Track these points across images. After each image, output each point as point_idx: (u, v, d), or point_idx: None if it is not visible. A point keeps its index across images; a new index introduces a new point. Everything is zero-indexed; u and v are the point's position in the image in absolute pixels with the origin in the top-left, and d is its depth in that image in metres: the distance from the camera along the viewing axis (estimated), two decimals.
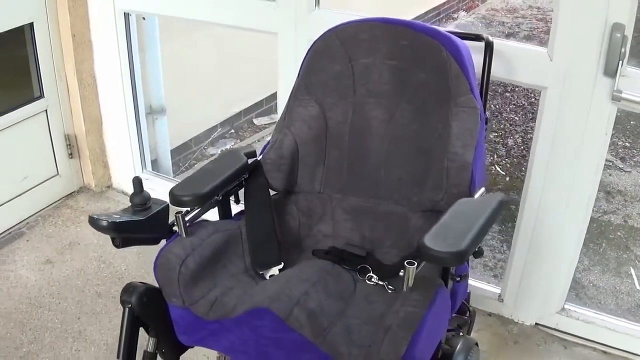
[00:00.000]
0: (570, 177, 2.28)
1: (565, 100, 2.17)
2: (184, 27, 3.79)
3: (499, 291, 2.65)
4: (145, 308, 1.70)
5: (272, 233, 1.89)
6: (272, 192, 2.06)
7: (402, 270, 1.50)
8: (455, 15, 7.38)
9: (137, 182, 1.72)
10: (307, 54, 2.03)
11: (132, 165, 3.36)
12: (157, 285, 1.73)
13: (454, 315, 2.04)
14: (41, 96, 3.15)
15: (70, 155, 3.35)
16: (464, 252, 1.43)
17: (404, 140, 1.94)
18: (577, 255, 2.45)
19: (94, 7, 3.06)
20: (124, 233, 1.68)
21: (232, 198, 1.97)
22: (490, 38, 2.05)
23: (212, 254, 1.77)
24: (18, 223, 3.18)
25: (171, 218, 1.78)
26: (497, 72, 2.20)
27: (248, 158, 1.98)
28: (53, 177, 3.31)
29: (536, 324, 2.56)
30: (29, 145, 3.16)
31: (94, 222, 1.64)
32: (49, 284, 2.83)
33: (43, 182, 3.26)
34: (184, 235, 1.76)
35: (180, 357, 1.87)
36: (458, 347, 1.67)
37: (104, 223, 1.63)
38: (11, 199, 3.12)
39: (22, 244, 3.08)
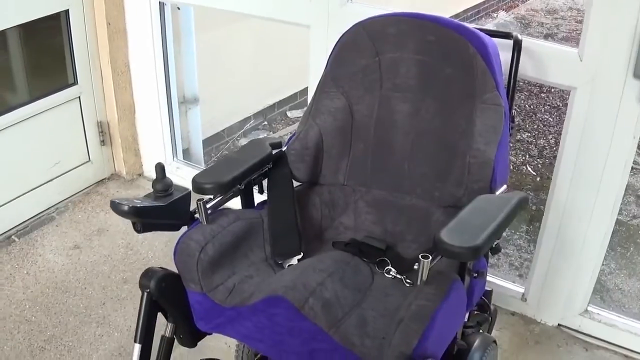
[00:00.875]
0: (597, 179, 2.26)
1: (594, 101, 2.15)
2: (220, 19, 3.82)
3: (522, 291, 2.64)
4: (164, 293, 1.72)
5: (293, 223, 1.90)
6: (296, 184, 2.07)
7: (417, 264, 1.50)
8: (495, 15, 7.34)
9: (160, 169, 1.74)
10: (334, 46, 2.03)
11: (163, 154, 3.39)
12: (177, 271, 1.74)
13: (475, 312, 2.04)
14: (75, 83, 3.19)
15: (102, 142, 3.39)
16: (480, 247, 1.43)
17: (428, 135, 1.94)
18: (602, 258, 2.43)
19: None
20: (145, 218, 1.70)
21: (256, 188, 1.98)
22: (520, 36, 2.04)
23: (232, 242, 1.79)
24: (48, 208, 3.23)
25: (193, 205, 1.79)
26: (528, 71, 2.19)
27: (273, 149, 1.99)
28: (84, 163, 3.36)
29: (559, 325, 2.55)
30: (61, 131, 3.20)
31: (115, 206, 1.66)
32: (75, 269, 2.87)
33: (74, 169, 3.30)
34: (205, 223, 1.78)
35: (201, 345, 1.88)
36: (475, 344, 1.67)
37: (125, 207, 1.65)
38: (42, 184, 3.17)
39: (52, 228, 3.13)
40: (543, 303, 2.56)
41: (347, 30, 2.01)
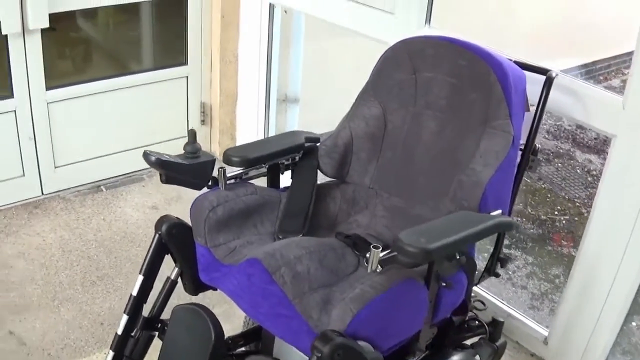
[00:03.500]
0: (628, 231, 2.27)
1: (633, 151, 2.18)
2: (328, 32, 4.05)
3: (546, 334, 2.67)
4: (173, 238, 1.96)
5: (305, 207, 2.08)
6: (327, 179, 2.25)
7: (368, 253, 1.64)
8: (626, 72, 7.13)
9: (192, 134, 1.98)
10: (378, 59, 2.21)
11: None
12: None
13: (484, 339, 2.15)
14: (185, 63, 3.51)
15: (203, 122, 3.70)
16: (430, 251, 1.54)
17: (446, 153, 2.06)
18: (625, 311, 2.42)
19: None
20: (168, 171, 1.93)
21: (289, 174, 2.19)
22: (554, 73, 2.11)
23: (243, 210, 2.00)
24: (140, 170, 3.57)
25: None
26: (570, 111, 2.27)
27: (308, 142, 2.19)
28: (181, 137, 3.65)
29: None
30: (167, 103, 3.53)
31: (146, 156, 1.92)
32: (146, 225, 3.17)
33: (172, 140, 3.62)
34: (222, 188, 2.00)
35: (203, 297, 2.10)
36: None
37: (152, 158, 1.90)
38: (139, 147, 3.49)
39: (138, 188, 3.46)
40: (563, 350, 2.58)
41: (391, 47, 2.19)
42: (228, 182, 2.05)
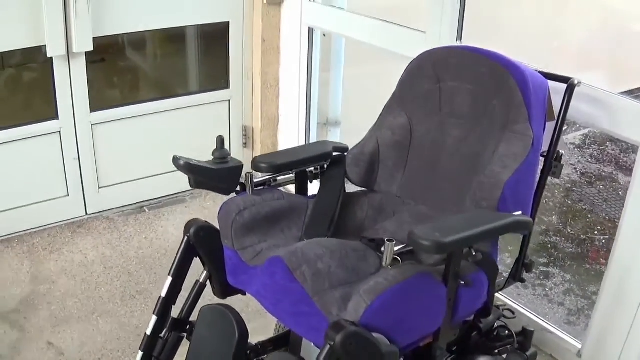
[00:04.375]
0: None
1: None
2: (370, 54, 4.11)
3: (580, 347, 2.65)
4: (201, 241, 2.02)
5: (331, 213, 2.11)
6: (356, 188, 2.29)
7: (382, 247, 1.67)
8: None
9: (220, 141, 2.05)
10: (404, 71, 2.25)
11: None
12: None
13: (514, 349, 2.17)
14: (227, 87, 3.60)
15: (245, 144, 3.78)
16: (444, 244, 1.57)
17: (469, 159, 2.08)
18: None
19: (286, 18, 3.48)
20: (196, 175, 2.00)
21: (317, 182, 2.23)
22: (576, 81, 2.12)
23: (269, 214, 2.05)
24: (183, 192, 3.65)
25: None
26: (597, 121, 2.28)
27: (336, 151, 2.24)
28: None
29: None
30: (208, 126, 3.61)
31: (175, 160, 1.99)
32: None
33: None
34: (250, 193, 2.06)
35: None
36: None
37: (182, 162, 1.97)
38: None
39: (180, 208, 3.54)
40: None
41: (416, 57, 2.23)
42: (256, 188, 2.10)
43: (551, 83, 2.13)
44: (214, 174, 2.02)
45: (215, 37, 3.65)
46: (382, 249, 1.69)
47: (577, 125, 5.18)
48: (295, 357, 1.94)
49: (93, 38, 3.10)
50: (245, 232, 1.99)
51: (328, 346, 1.56)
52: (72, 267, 3.03)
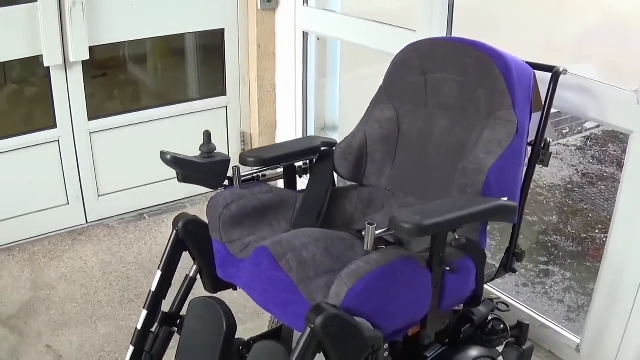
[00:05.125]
0: None
1: None
2: (366, 58, 4.13)
3: (578, 341, 2.63)
4: (189, 234, 2.04)
5: (319, 205, 2.13)
6: (348, 182, 2.30)
7: (363, 231, 1.67)
8: None
9: (207, 135, 2.07)
10: (390, 64, 2.26)
11: None
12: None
13: (510, 342, 2.20)
14: (224, 93, 3.62)
15: (243, 150, 3.79)
16: (424, 226, 1.56)
17: (455, 149, 2.08)
18: None
19: (280, 23, 3.50)
20: (183, 169, 2.01)
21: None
22: (561, 69, 2.11)
23: (257, 207, 2.06)
24: (183, 198, 3.66)
25: None
26: (585, 110, 2.28)
27: (324, 145, 2.25)
28: None
29: None
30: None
31: (162, 155, 2.00)
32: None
33: None
34: (237, 186, 2.07)
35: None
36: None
37: (168, 156, 1.98)
38: None
39: None
40: (595, 356, 2.55)
41: (401, 50, 2.24)
42: (244, 182, 2.11)
43: (541, 75, 2.14)
44: (201, 168, 2.03)
45: (213, 48, 3.69)
46: (363, 233, 1.68)
47: (579, 128, 5.20)
48: (279, 344, 1.93)
49: (90, 48, 3.14)
50: (233, 225, 2.00)
51: (308, 329, 1.56)
52: (72, 273, 3.05)
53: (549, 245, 3.75)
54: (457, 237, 1.72)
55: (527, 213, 3.97)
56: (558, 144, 4.98)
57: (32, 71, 3.33)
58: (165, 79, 4.16)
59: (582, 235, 3.82)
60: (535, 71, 2.13)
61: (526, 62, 2.13)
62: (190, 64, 3.90)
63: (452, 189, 2.00)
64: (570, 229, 3.89)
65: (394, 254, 1.71)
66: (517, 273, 2.29)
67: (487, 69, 2.02)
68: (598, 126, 5.24)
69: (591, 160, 4.71)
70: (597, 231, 3.84)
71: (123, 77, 4.03)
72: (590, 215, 4.07)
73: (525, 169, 2.06)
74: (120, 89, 4.01)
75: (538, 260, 3.55)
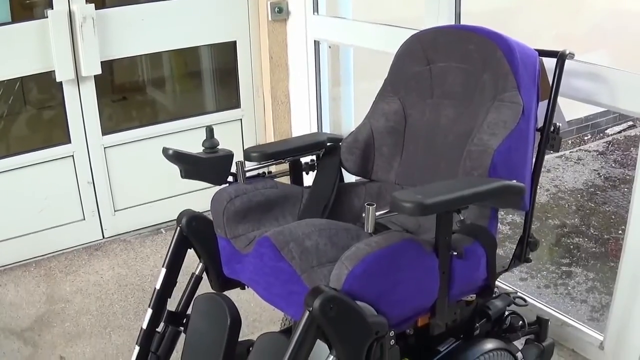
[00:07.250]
0: None
1: None
2: (382, 68, 4.11)
3: (602, 339, 2.56)
4: (193, 231, 2.01)
5: (326, 198, 2.10)
6: (356, 178, 2.27)
7: (364, 213, 1.62)
8: None
9: (209, 130, 2.05)
10: (394, 56, 2.23)
11: None
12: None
13: (531, 340, 2.16)
14: (238, 106, 3.62)
15: None
16: (426, 205, 1.51)
17: (462, 136, 2.04)
18: None
19: (292, 33, 3.50)
20: (186, 165, 1.99)
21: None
22: (567, 52, 2.07)
23: (262, 202, 2.03)
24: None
25: None
26: (596, 96, 2.24)
27: (330, 141, 2.22)
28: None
29: None
30: (222, 145, 3.60)
31: (164, 150, 1.99)
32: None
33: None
34: (241, 181, 2.04)
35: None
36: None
37: (170, 151, 1.98)
38: (197, 190, 3.52)
39: None
40: (618, 353, 2.47)
41: (405, 42, 2.21)
42: (249, 178, 2.08)
43: (549, 66, 2.09)
44: (204, 163, 2.01)
45: (229, 69, 3.70)
46: (363, 214, 1.64)
47: (600, 134, 5.12)
48: (283, 335, 1.89)
49: (103, 63, 3.15)
50: (237, 220, 1.97)
51: (307, 313, 1.51)
52: (88, 286, 3.04)
53: (571, 247, 3.68)
54: (462, 219, 1.68)
55: (548, 217, 3.91)
56: (579, 149, 4.93)
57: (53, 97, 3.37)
58: (183, 99, 4.19)
59: (605, 236, 3.75)
60: (543, 59, 2.08)
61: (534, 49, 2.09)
62: (208, 88, 3.95)
63: (459, 175, 1.96)
64: (593, 231, 3.82)
65: (396, 237, 1.67)
66: (531, 263, 2.22)
67: (490, 52, 1.99)
68: (620, 132, 5.18)
69: (613, 165, 4.65)
70: (620, 232, 3.77)
71: (141, 98, 4.06)
72: (613, 217, 4.00)
73: (535, 155, 2.01)
74: (139, 110, 4.05)
75: (560, 262, 3.48)
